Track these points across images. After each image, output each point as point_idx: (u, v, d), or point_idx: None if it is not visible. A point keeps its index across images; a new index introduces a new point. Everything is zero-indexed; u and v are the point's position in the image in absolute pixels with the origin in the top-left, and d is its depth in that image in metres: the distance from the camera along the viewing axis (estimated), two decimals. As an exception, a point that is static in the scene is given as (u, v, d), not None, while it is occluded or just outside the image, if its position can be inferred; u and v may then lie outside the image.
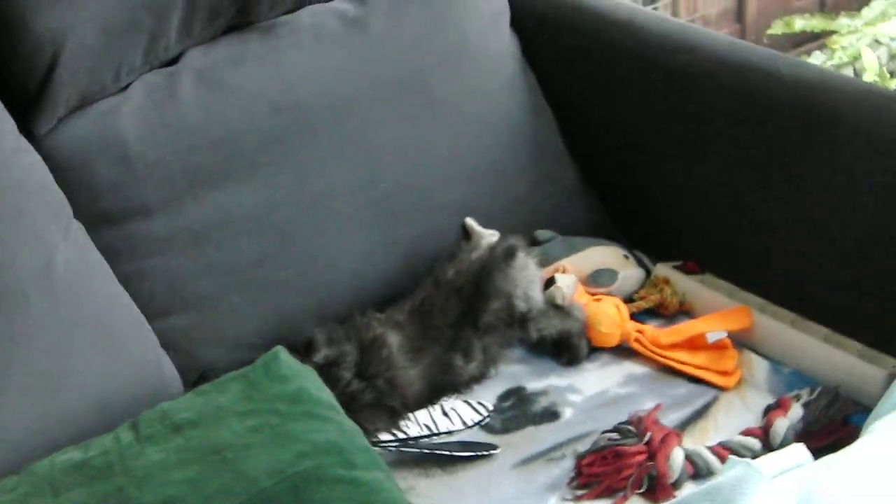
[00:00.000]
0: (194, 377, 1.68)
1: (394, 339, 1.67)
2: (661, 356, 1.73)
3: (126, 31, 1.72)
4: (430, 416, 1.66)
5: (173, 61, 1.82)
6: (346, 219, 1.81)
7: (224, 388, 1.44)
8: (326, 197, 1.80)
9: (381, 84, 1.87)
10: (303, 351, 1.63)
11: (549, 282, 1.78)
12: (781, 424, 1.52)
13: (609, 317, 1.76)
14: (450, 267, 1.76)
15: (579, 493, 1.50)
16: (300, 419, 1.36)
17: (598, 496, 1.49)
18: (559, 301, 1.75)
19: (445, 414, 1.67)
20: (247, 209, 1.76)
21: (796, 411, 1.54)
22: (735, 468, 1.26)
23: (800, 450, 1.37)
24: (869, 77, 2.83)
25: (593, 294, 1.84)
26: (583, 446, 1.57)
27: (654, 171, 1.95)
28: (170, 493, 1.24)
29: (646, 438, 1.50)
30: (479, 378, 1.72)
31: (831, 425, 1.55)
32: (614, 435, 1.54)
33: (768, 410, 1.58)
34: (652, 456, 1.49)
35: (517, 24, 2.06)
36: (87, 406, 1.55)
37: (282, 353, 1.49)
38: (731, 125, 1.80)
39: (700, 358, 1.73)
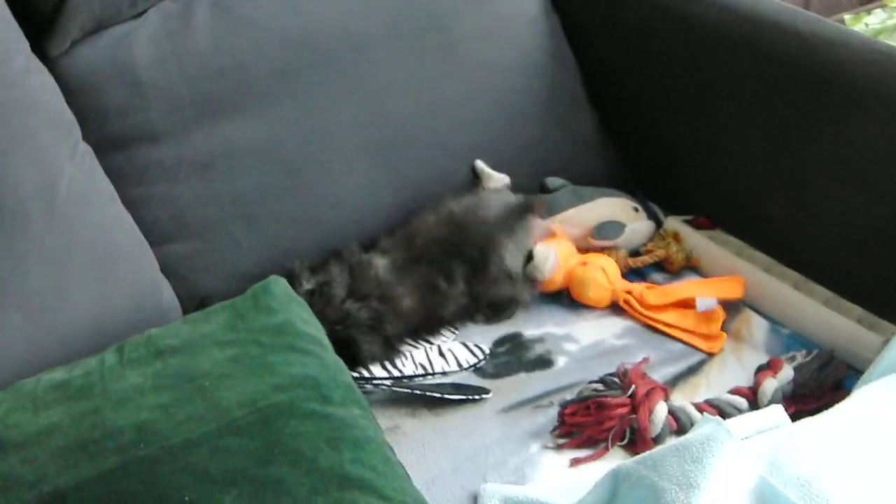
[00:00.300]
0: (194, 305, 1.68)
1: (379, 261, 1.70)
2: (648, 318, 1.72)
3: (144, -44, 1.72)
4: (427, 355, 1.67)
5: (194, -11, 1.82)
6: (352, 156, 1.80)
7: (211, 316, 1.45)
8: (334, 133, 1.80)
9: (398, 23, 1.86)
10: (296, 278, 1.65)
11: (530, 255, 1.77)
12: (770, 385, 1.51)
13: (595, 281, 1.76)
14: (449, 202, 1.76)
15: (561, 441, 1.50)
16: (281, 352, 1.37)
17: (580, 445, 1.49)
18: (538, 277, 1.75)
19: (442, 354, 1.67)
20: (253, 141, 1.76)
21: (786, 372, 1.53)
22: (705, 426, 1.26)
23: (777, 411, 1.38)
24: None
25: (598, 246, 1.82)
26: (571, 395, 1.56)
27: (671, 124, 1.93)
28: (142, 417, 1.25)
29: (630, 391, 1.49)
30: (466, 311, 1.73)
31: (822, 388, 1.53)
32: (599, 386, 1.53)
33: (759, 370, 1.56)
34: (635, 409, 1.48)
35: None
36: (81, 328, 1.56)
37: (273, 284, 1.50)
38: (745, 81, 1.77)
39: (688, 319, 1.72)
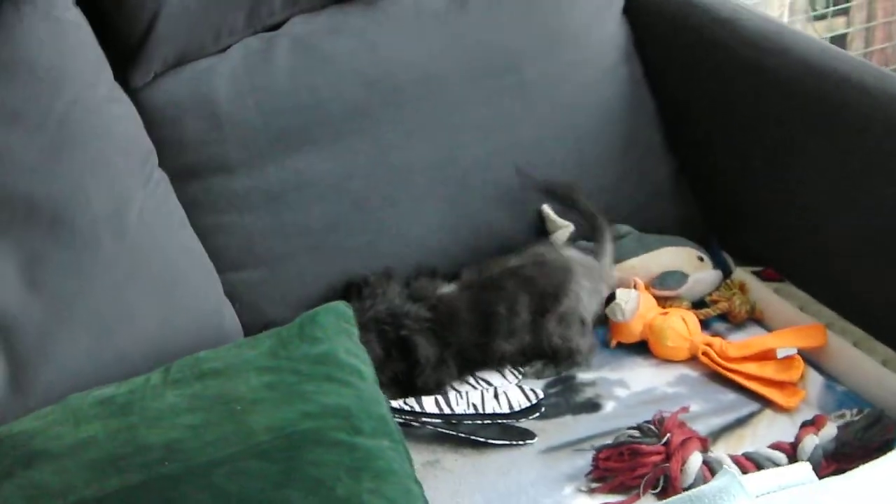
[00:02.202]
0: (256, 332, 1.73)
1: (443, 284, 1.75)
2: (729, 370, 1.70)
3: (228, -5, 1.79)
4: (482, 396, 1.67)
5: (279, 27, 1.88)
6: (420, 193, 1.84)
7: (257, 342, 1.50)
8: (404, 170, 1.84)
9: (473, 64, 1.89)
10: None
11: (611, 297, 1.77)
12: (810, 441, 1.49)
13: (675, 331, 1.75)
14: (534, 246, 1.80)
15: (594, 485, 1.50)
16: (317, 380, 1.40)
17: (612, 491, 1.49)
18: (619, 318, 1.75)
19: (496, 397, 1.67)
20: (324, 175, 1.81)
21: (829, 430, 1.50)
22: (720, 478, 1.25)
23: (803, 468, 1.36)
24: None
25: (660, 296, 1.82)
26: (611, 441, 1.56)
27: (745, 174, 1.92)
28: (173, 436, 1.30)
29: (664, 439, 1.49)
30: (525, 351, 1.74)
31: (867, 448, 1.50)
32: (635, 432, 1.53)
33: (802, 426, 1.54)
34: (669, 457, 1.47)
35: (632, 12, 2.05)
36: (142, 348, 1.62)
37: (322, 313, 1.54)
38: (815, 135, 1.75)
39: (768, 369, 1.70)
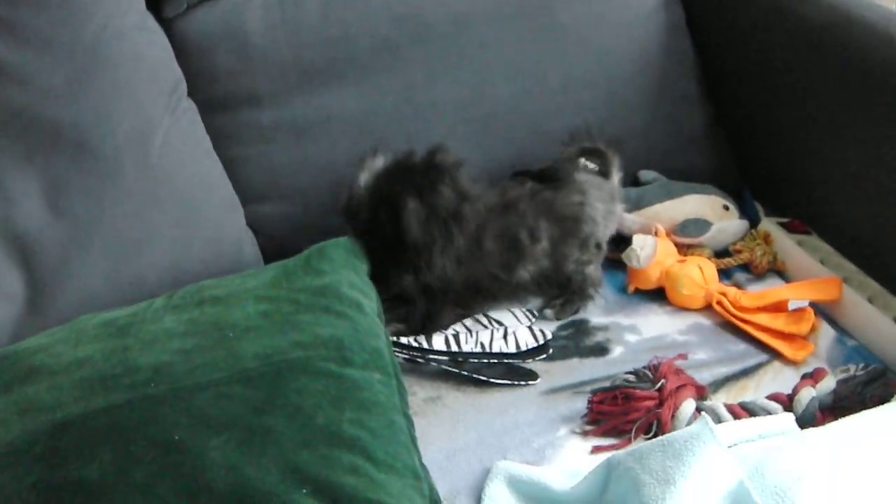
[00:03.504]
0: (277, 262, 1.76)
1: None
2: (741, 320, 1.70)
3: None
4: (491, 336, 1.68)
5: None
6: (446, 132, 1.84)
7: (262, 273, 1.53)
8: (430, 108, 1.84)
9: (504, 4, 1.88)
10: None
11: (627, 242, 1.77)
12: (806, 394, 1.47)
13: (691, 279, 1.74)
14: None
15: (588, 428, 1.50)
16: (314, 312, 1.42)
17: (604, 434, 1.49)
18: (634, 263, 1.74)
19: (504, 336, 1.68)
20: (350, 111, 1.82)
21: (828, 383, 1.49)
22: (695, 425, 1.26)
23: (785, 419, 1.35)
24: None
25: (681, 243, 1.81)
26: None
27: (778, 125, 1.90)
28: (163, 359, 1.33)
29: (658, 385, 1.49)
30: (543, 279, 1.72)
31: (865, 403, 1.48)
32: (631, 377, 1.53)
33: (802, 378, 1.53)
34: (662, 403, 1.47)
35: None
36: (160, 273, 1.66)
37: (332, 247, 1.56)
38: (844, 85, 1.72)
39: (779, 321, 1.69)
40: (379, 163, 1.64)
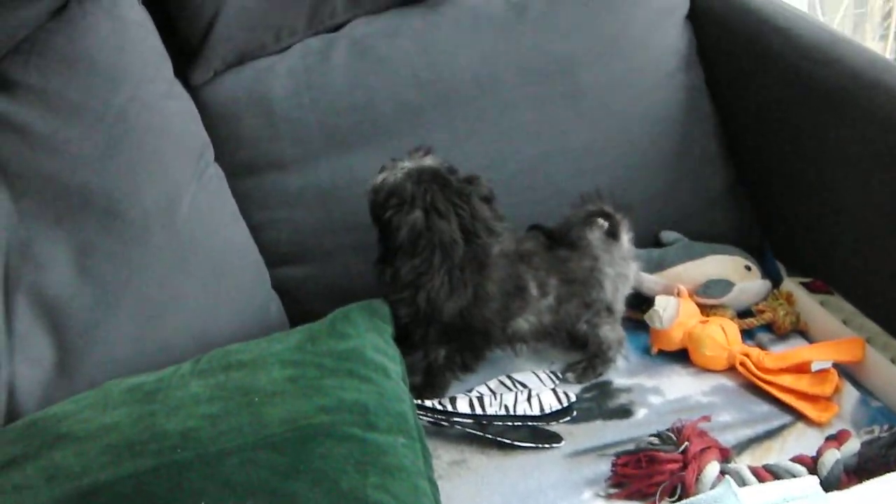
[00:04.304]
0: (302, 325, 1.78)
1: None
2: (764, 381, 1.70)
3: (288, -3, 1.84)
4: (515, 398, 1.68)
5: (341, 27, 1.93)
6: (469, 194, 1.86)
7: (288, 336, 1.55)
8: (453, 171, 1.86)
9: (527, 68, 1.91)
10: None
11: (650, 303, 1.77)
12: (831, 456, 1.47)
13: (714, 340, 1.75)
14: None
15: (612, 491, 1.51)
16: (339, 376, 1.44)
17: (629, 497, 1.49)
18: (657, 324, 1.75)
19: (529, 399, 1.69)
20: (375, 173, 1.84)
21: (852, 445, 1.49)
22: (717, 488, 1.26)
23: (810, 482, 1.35)
24: None
25: (704, 304, 1.82)
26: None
27: (799, 185, 1.90)
28: (189, 424, 1.35)
29: (682, 447, 1.49)
30: (545, 332, 1.73)
31: (890, 466, 1.48)
32: (654, 439, 1.53)
33: (826, 440, 1.53)
34: (686, 466, 1.48)
35: (696, 19, 2.05)
36: (187, 337, 1.68)
37: (356, 310, 1.58)
38: (866, 147, 1.73)
39: (803, 382, 1.69)
40: (427, 161, 1.66)
